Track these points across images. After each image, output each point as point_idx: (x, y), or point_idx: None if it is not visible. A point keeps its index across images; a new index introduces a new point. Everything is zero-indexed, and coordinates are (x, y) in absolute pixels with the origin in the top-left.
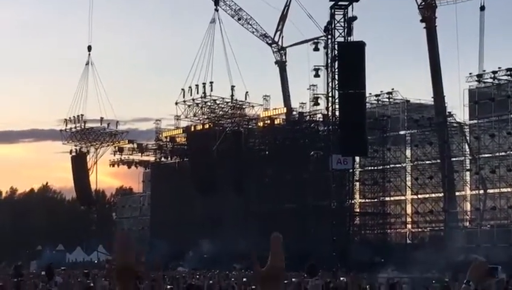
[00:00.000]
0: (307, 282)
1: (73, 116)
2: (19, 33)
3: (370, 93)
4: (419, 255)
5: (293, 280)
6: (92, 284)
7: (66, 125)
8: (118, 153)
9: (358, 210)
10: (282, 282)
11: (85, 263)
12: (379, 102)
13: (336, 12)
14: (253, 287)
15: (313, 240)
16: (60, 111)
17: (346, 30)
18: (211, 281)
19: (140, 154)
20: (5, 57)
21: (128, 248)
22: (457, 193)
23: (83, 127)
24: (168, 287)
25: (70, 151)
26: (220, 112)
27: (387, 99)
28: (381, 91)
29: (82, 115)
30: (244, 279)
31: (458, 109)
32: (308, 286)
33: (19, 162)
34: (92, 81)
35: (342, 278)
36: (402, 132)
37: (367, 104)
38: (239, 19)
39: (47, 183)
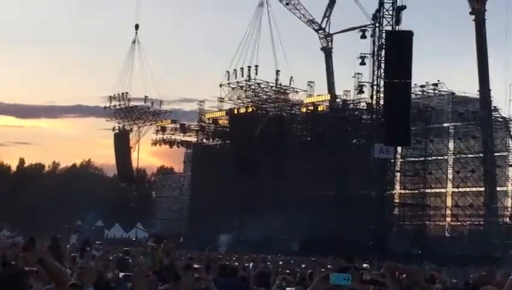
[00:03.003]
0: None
1: (118, 94)
2: (69, 9)
3: (415, 84)
4: (458, 249)
5: (329, 266)
6: (130, 260)
7: (111, 103)
8: (160, 132)
9: (397, 201)
10: None
11: (123, 239)
12: (424, 93)
13: (384, 1)
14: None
15: (351, 228)
16: (105, 88)
17: (394, 19)
18: (246, 264)
19: (182, 134)
20: (54, 32)
21: None
22: (498, 188)
23: (127, 105)
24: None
25: (113, 129)
26: (264, 96)
27: (432, 91)
28: (427, 82)
29: (127, 93)
30: (280, 262)
31: (504, 103)
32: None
33: (62, 137)
34: (138, 60)
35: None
36: (446, 124)
37: (412, 94)
38: (287, 4)
39: (89, 159)
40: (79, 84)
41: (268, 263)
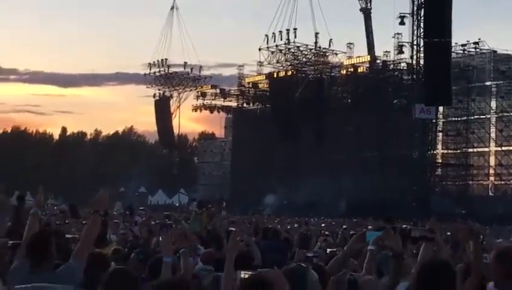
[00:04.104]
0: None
1: (157, 61)
2: None
3: (456, 43)
4: (501, 208)
5: (369, 227)
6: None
7: (150, 70)
8: (200, 98)
9: (440, 161)
10: None
11: (166, 205)
12: (465, 52)
13: None
14: (327, 233)
15: (393, 189)
16: (144, 55)
17: None
18: (289, 227)
19: (222, 99)
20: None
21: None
22: None
23: (166, 71)
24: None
25: (154, 95)
26: (303, 59)
27: (473, 49)
28: (468, 41)
29: (166, 60)
30: (323, 224)
31: None
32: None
33: (103, 105)
34: (176, 26)
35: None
36: (488, 83)
37: (452, 53)
38: None
39: (131, 126)
40: (119, 51)
41: (311, 226)
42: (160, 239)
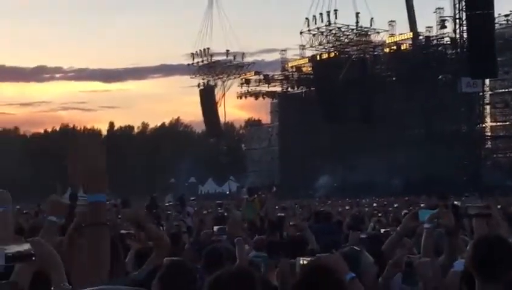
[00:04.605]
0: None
1: (200, 50)
2: None
3: (499, 14)
4: None
5: (422, 205)
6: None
7: (193, 60)
8: (244, 85)
9: (489, 134)
10: None
11: (217, 194)
12: (509, 22)
13: None
14: (380, 214)
15: (443, 165)
16: (187, 45)
17: None
18: (340, 209)
19: (267, 85)
20: None
21: None
22: None
23: (209, 60)
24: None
25: (198, 85)
26: (345, 40)
27: None
28: (511, 11)
29: (208, 49)
30: (375, 204)
31: None
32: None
33: (149, 98)
34: (217, 14)
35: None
36: None
37: (496, 24)
38: None
39: (178, 117)
40: (161, 43)
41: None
42: (215, 229)
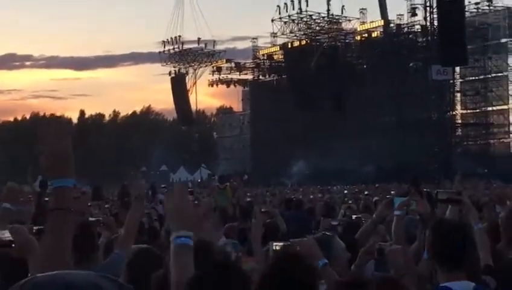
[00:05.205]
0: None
1: (171, 38)
2: None
3: (469, 1)
4: None
5: (392, 192)
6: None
7: (164, 47)
8: (216, 72)
9: (459, 121)
10: None
11: (189, 181)
12: (479, 10)
13: None
14: (351, 201)
15: (414, 152)
16: (157, 33)
17: None
18: (311, 196)
19: (238, 73)
20: None
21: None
22: None
23: (180, 48)
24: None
25: (170, 73)
26: (317, 28)
27: (487, 7)
28: None
29: (179, 36)
30: (345, 191)
31: None
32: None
33: (120, 86)
34: (188, 2)
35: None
36: (503, 40)
37: (466, 12)
38: None
39: (149, 105)
40: (132, 31)
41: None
42: None
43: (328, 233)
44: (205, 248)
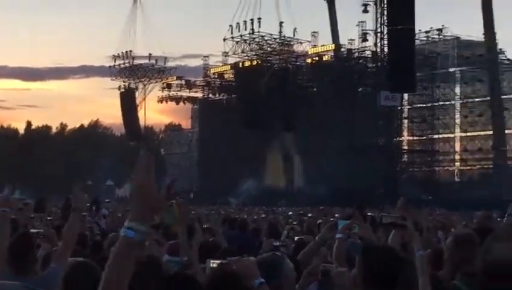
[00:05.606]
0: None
1: (122, 53)
2: None
3: (420, 30)
4: (467, 193)
5: (336, 215)
6: None
7: (115, 62)
8: (166, 89)
9: (406, 148)
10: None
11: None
12: (429, 39)
13: None
14: (295, 223)
15: (362, 176)
16: (109, 47)
17: None
18: (255, 217)
19: (188, 90)
20: None
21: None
22: (506, 131)
23: (131, 63)
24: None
25: (119, 88)
26: (268, 49)
27: (437, 36)
28: (431, 28)
29: (131, 51)
30: (290, 213)
31: (510, 45)
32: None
33: (69, 98)
34: (141, 18)
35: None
36: (452, 69)
37: (416, 40)
38: None
39: (97, 119)
40: (83, 44)
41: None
42: None
43: (277, 253)
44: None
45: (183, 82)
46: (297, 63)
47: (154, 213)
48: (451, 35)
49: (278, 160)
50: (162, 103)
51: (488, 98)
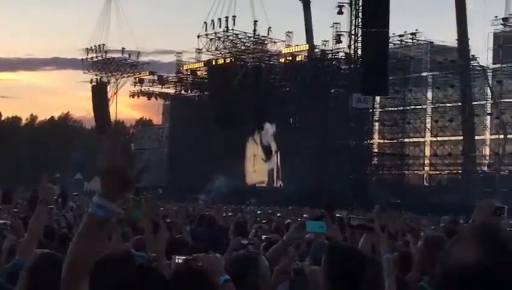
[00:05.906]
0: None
1: (95, 46)
2: None
3: (394, 34)
4: (436, 198)
5: (305, 215)
6: None
7: (87, 55)
8: (138, 84)
9: (376, 150)
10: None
11: None
12: (402, 42)
13: None
14: (264, 221)
15: (333, 178)
16: (82, 40)
17: None
18: (224, 214)
19: (160, 86)
20: None
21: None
22: (476, 137)
23: (104, 57)
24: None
25: (91, 81)
26: (242, 47)
27: (410, 40)
28: (405, 32)
29: (103, 45)
30: (259, 211)
31: (482, 52)
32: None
33: (40, 90)
34: (115, 11)
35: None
36: (424, 74)
37: (390, 44)
38: None
39: (68, 112)
40: (56, 36)
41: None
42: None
43: (255, 251)
44: (127, 256)
45: (155, 77)
46: (271, 62)
47: (122, 192)
48: (425, 40)
49: (253, 158)
50: (133, 97)
51: (460, 103)
